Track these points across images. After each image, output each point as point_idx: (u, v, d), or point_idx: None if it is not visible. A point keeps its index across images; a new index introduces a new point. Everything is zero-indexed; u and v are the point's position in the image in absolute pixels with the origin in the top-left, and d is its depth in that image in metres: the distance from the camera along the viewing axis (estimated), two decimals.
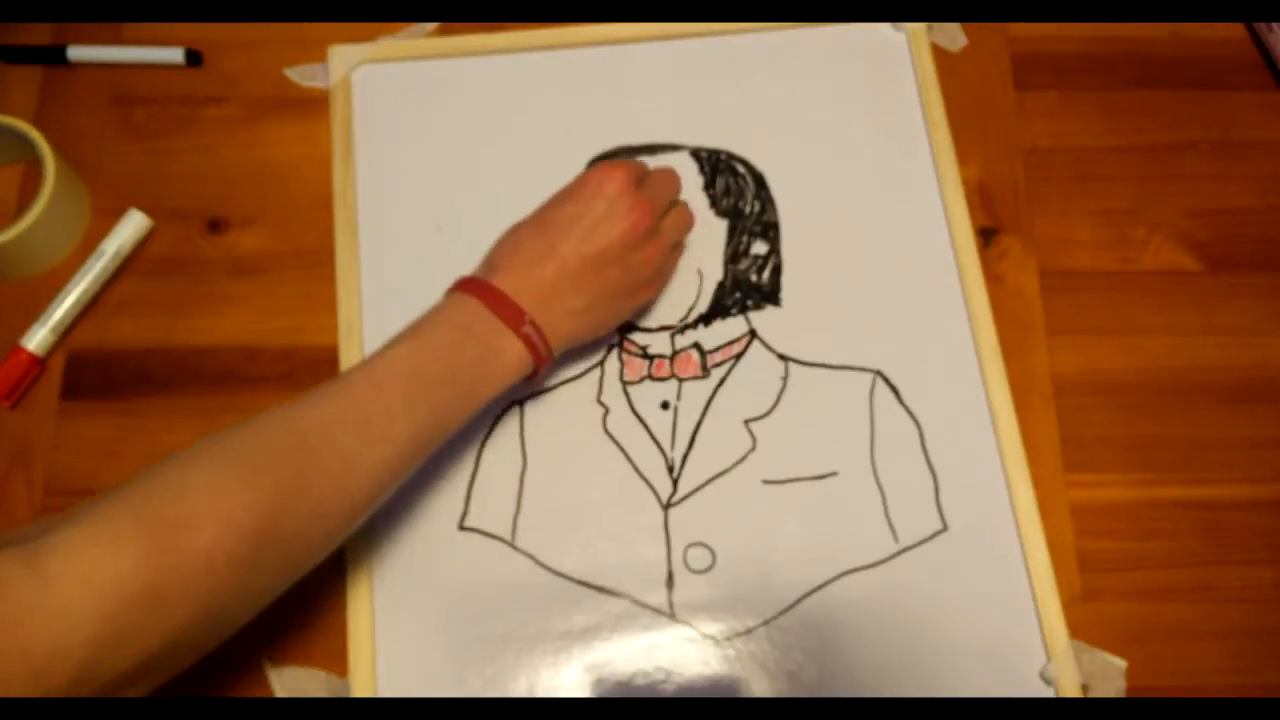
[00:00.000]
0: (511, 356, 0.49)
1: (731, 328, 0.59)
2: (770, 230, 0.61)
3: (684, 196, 0.60)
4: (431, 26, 0.67)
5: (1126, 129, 0.65)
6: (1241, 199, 0.63)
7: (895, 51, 0.66)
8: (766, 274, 0.60)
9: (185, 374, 0.59)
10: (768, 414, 0.57)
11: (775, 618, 0.53)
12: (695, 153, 0.63)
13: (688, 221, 0.58)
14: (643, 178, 0.55)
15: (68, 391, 0.58)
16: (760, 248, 0.61)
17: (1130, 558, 0.55)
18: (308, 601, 0.54)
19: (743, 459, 0.56)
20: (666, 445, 0.57)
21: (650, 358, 0.59)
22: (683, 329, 0.59)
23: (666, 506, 0.55)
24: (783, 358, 0.59)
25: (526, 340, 0.49)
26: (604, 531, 0.55)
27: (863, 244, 0.61)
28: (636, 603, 0.54)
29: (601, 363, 0.58)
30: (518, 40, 0.66)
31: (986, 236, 0.62)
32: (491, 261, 0.52)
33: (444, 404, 0.47)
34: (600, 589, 0.54)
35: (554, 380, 0.58)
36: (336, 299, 0.59)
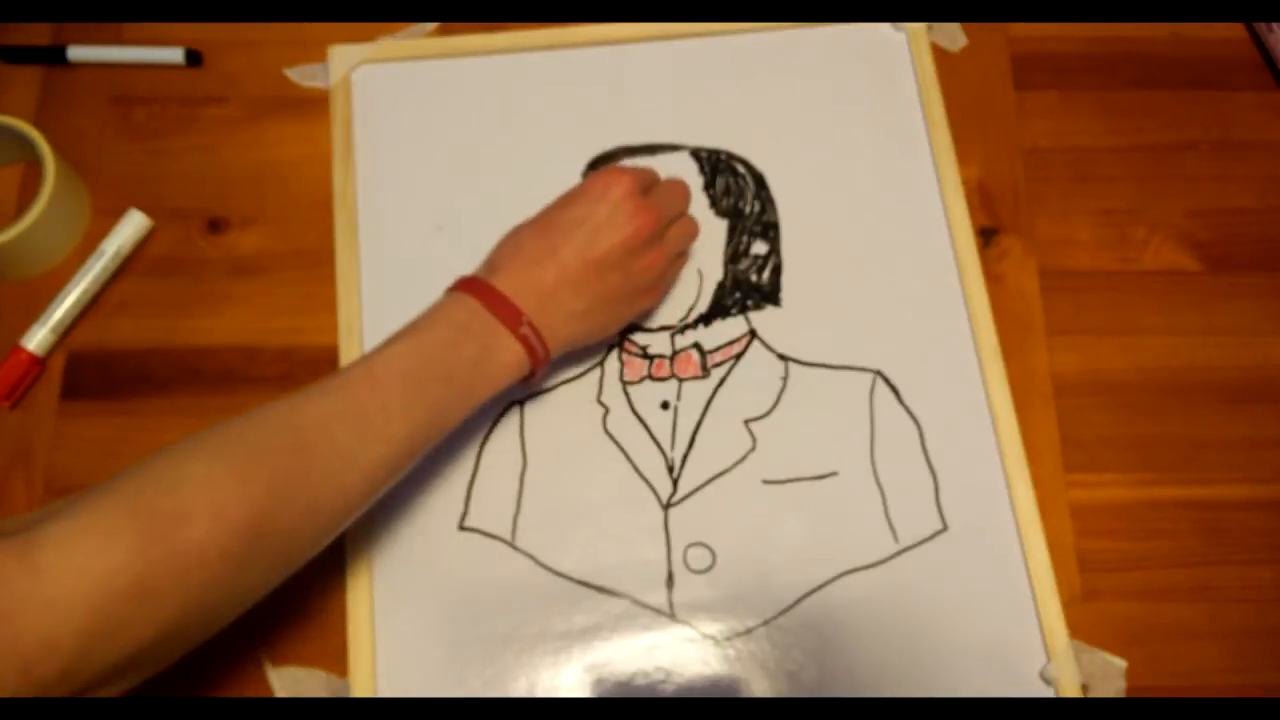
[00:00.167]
0: (509, 357, 0.49)
1: (731, 328, 0.59)
2: (770, 230, 0.61)
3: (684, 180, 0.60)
4: (431, 26, 0.67)
5: (1126, 129, 0.65)
6: (1241, 199, 0.63)
7: (895, 51, 0.66)
8: (766, 274, 0.60)
9: (185, 374, 0.59)
10: (768, 414, 0.57)
11: (775, 618, 0.53)
12: (695, 153, 0.63)
13: (693, 232, 0.58)
14: (650, 185, 0.55)
15: (68, 391, 0.58)
16: (760, 248, 0.61)
17: (1130, 558, 0.55)
18: (308, 601, 0.54)
19: (743, 459, 0.56)
20: (666, 445, 0.57)
21: (650, 358, 0.59)
22: (683, 329, 0.59)
23: (666, 506, 0.55)
24: (783, 358, 0.59)
25: (524, 341, 0.49)
26: (604, 531, 0.55)
27: (863, 244, 0.61)
28: (636, 603, 0.54)
29: (601, 363, 0.58)
30: (518, 40, 0.66)
31: (986, 236, 0.62)
32: (492, 261, 0.52)
33: (441, 403, 0.47)
34: (600, 589, 0.54)
35: (554, 380, 0.58)
36: (336, 299, 0.59)
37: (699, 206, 0.61)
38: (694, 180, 0.62)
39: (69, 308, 0.59)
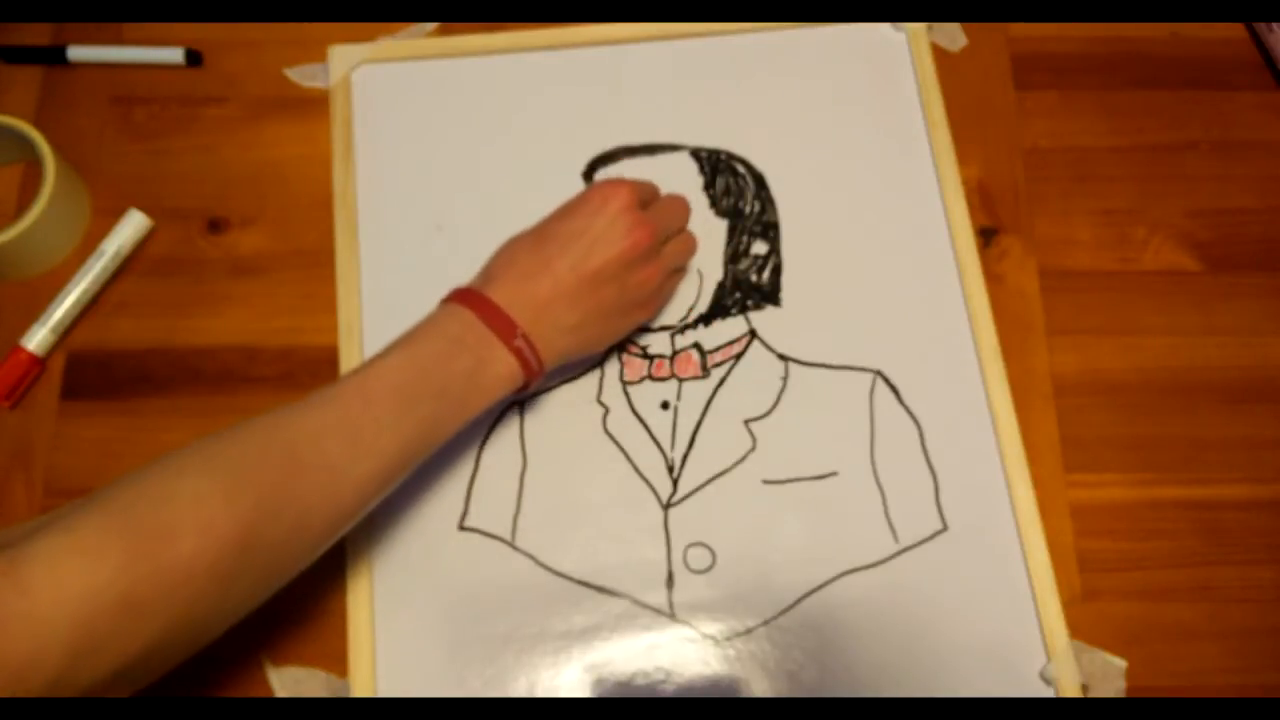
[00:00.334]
0: (502, 369, 0.49)
1: (731, 328, 0.59)
2: (770, 230, 0.61)
3: (684, 196, 0.60)
4: (431, 26, 0.67)
5: (1126, 129, 0.65)
6: (1241, 199, 0.63)
7: (895, 51, 0.66)
8: (766, 274, 0.60)
9: (185, 374, 0.59)
10: (768, 414, 0.57)
11: (775, 618, 0.53)
12: (695, 153, 0.63)
13: (691, 248, 0.58)
14: (649, 199, 0.55)
15: (68, 391, 0.58)
16: (760, 248, 0.61)
17: (1130, 558, 0.55)
18: (308, 601, 0.54)
19: (743, 459, 0.56)
20: (666, 445, 0.57)
21: (650, 358, 0.59)
22: (683, 329, 0.59)
23: (666, 506, 0.55)
24: (783, 358, 0.59)
25: (518, 354, 0.49)
26: (604, 531, 0.55)
27: (863, 244, 0.61)
28: (636, 603, 0.54)
29: (601, 363, 0.58)
30: (518, 40, 0.66)
31: (986, 236, 0.62)
32: (487, 272, 0.52)
33: (433, 416, 0.47)
34: (600, 589, 0.54)
35: (553, 380, 0.58)
36: (336, 299, 0.59)
37: (699, 206, 0.61)
38: (694, 180, 0.62)
39: (69, 308, 0.59)
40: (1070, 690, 0.52)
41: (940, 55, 0.66)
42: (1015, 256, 0.61)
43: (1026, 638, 0.53)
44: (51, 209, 0.59)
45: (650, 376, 0.58)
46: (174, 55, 0.65)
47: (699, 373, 0.58)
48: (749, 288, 0.60)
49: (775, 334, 0.59)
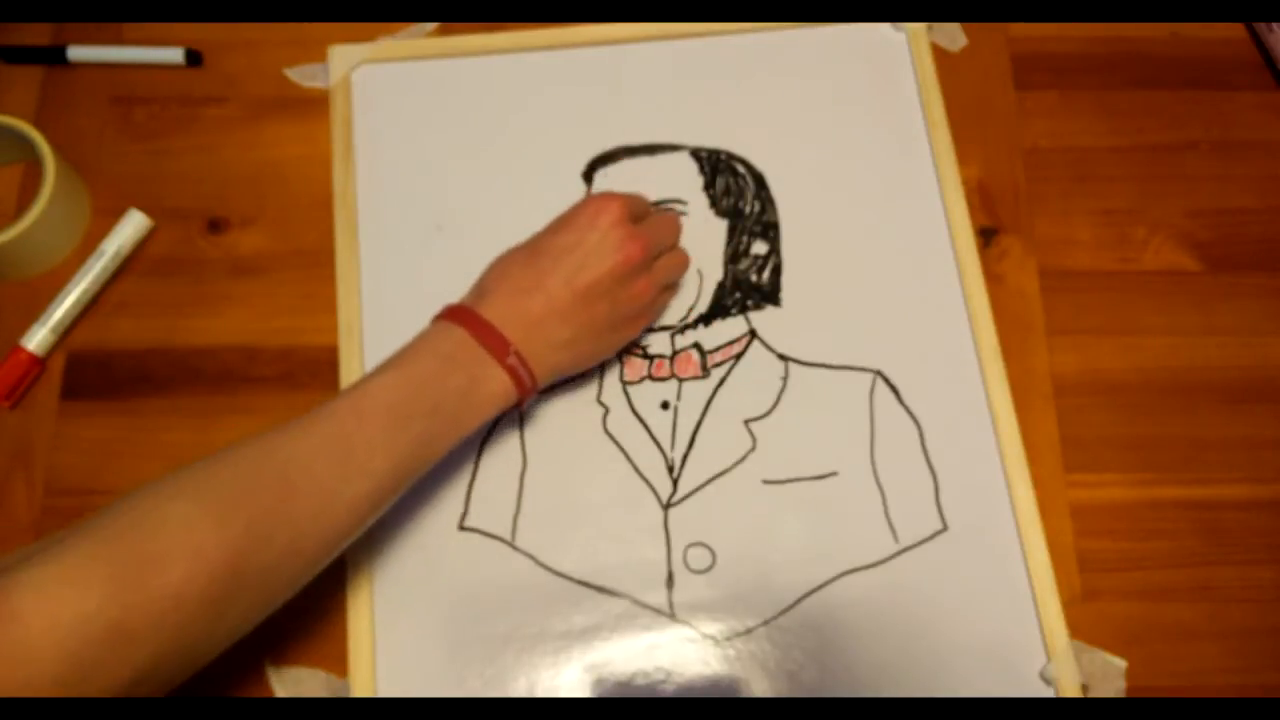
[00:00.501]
0: (495, 386, 0.49)
1: (731, 328, 0.59)
2: (770, 230, 0.61)
3: (684, 196, 0.60)
4: (431, 26, 0.67)
5: (1126, 129, 0.65)
6: (1241, 199, 0.63)
7: (895, 51, 0.66)
8: (766, 274, 0.60)
9: (185, 374, 0.59)
10: (768, 414, 0.57)
11: (775, 618, 0.53)
12: (695, 153, 0.63)
13: (683, 264, 0.58)
14: (641, 214, 0.55)
15: (68, 391, 0.58)
16: (760, 248, 0.61)
17: (1130, 558, 0.55)
18: (308, 602, 0.53)
19: (743, 459, 0.56)
20: (666, 445, 0.57)
21: (650, 358, 0.59)
22: (683, 329, 0.59)
23: (666, 506, 0.55)
24: (783, 358, 0.59)
25: (511, 371, 0.49)
26: (604, 531, 0.55)
27: (863, 244, 0.61)
28: (636, 603, 0.54)
29: (601, 363, 0.58)
30: (518, 40, 0.66)
31: (986, 236, 0.62)
32: (480, 288, 0.52)
33: (426, 435, 0.47)
34: (600, 589, 0.54)
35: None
36: (336, 299, 0.59)
37: (699, 206, 0.61)
38: (694, 180, 0.62)
39: (69, 308, 0.59)
40: (1070, 690, 0.52)
41: (940, 55, 0.66)
42: (1015, 256, 0.61)
43: (1026, 638, 0.53)
44: (51, 209, 0.59)
45: (650, 376, 0.58)
46: (174, 55, 0.65)
47: (699, 373, 0.58)
48: (749, 288, 0.60)
49: (775, 334, 0.59)
